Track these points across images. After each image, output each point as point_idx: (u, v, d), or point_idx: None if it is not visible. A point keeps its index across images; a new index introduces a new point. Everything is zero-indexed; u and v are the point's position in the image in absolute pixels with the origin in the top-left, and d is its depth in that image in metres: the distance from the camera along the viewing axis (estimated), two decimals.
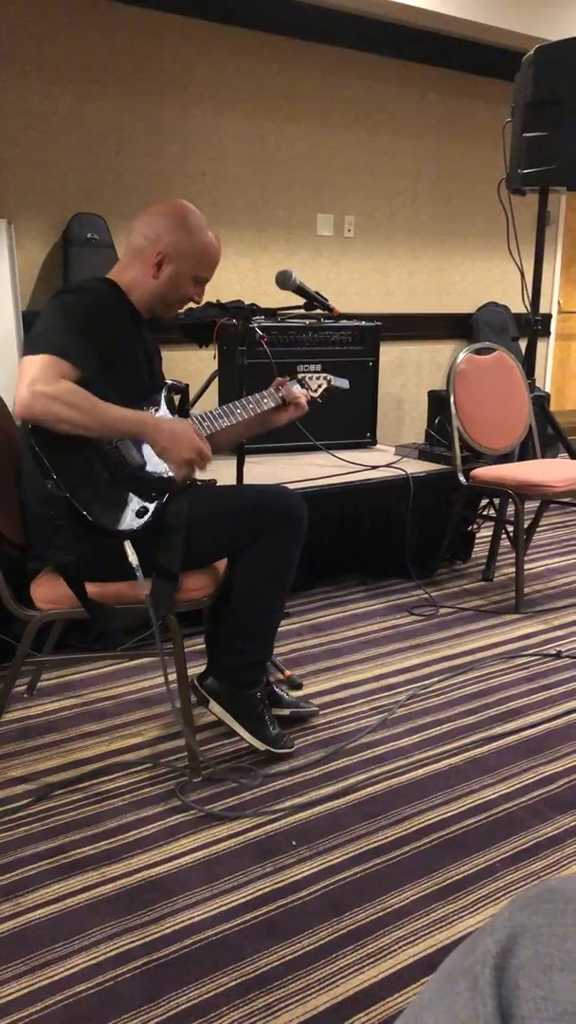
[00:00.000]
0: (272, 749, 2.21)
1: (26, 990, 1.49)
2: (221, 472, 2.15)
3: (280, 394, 2.32)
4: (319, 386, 2.46)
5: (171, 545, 2.04)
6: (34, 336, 1.96)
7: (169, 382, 2.23)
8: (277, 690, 2.39)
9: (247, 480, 2.60)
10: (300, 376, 2.44)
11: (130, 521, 1.98)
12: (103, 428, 1.94)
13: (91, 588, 2.01)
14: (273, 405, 2.32)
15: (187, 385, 2.29)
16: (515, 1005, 0.40)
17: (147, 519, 1.99)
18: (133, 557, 1.98)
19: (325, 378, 2.47)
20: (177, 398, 2.23)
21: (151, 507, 2.01)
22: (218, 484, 2.32)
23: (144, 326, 2.19)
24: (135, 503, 2.00)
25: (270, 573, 2.14)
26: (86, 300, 2.02)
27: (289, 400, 2.33)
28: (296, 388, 2.36)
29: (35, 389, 1.86)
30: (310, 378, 2.45)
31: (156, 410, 2.13)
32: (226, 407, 2.25)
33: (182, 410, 2.23)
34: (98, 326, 2.00)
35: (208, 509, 2.09)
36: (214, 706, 2.22)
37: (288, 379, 2.38)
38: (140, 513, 2.00)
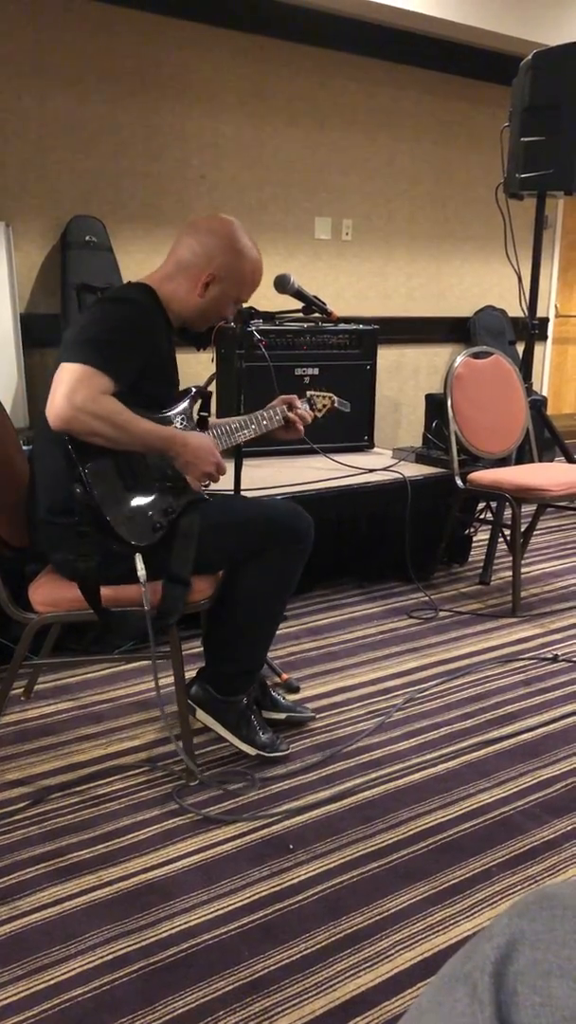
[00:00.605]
0: (263, 753, 2.22)
1: (23, 994, 1.49)
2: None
3: (278, 418, 2.35)
4: (323, 406, 2.51)
5: (183, 552, 2.05)
6: (73, 342, 1.93)
7: (195, 389, 2.23)
8: (274, 694, 2.40)
9: (244, 483, 2.61)
10: (310, 395, 2.49)
11: (147, 534, 1.99)
12: (134, 443, 1.95)
13: (105, 591, 2.02)
14: (279, 425, 2.35)
15: (211, 392, 2.29)
16: (513, 1011, 0.40)
17: (161, 532, 2.01)
18: (141, 570, 1.98)
19: (331, 398, 2.53)
20: (198, 404, 2.23)
21: (165, 522, 2.02)
22: (228, 494, 2.34)
23: (173, 334, 2.20)
24: (153, 516, 2.01)
25: (271, 586, 2.16)
26: (130, 313, 2.01)
27: (290, 422, 2.35)
28: (304, 411, 2.39)
29: (75, 402, 1.84)
30: (318, 397, 2.51)
31: (182, 420, 2.14)
32: (242, 421, 2.28)
33: (200, 417, 2.24)
34: (139, 341, 1.99)
35: (217, 520, 2.10)
36: (201, 714, 2.25)
37: (298, 399, 2.40)
38: (156, 527, 2.01)
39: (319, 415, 2.49)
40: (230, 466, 2.57)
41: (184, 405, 2.16)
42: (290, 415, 2.35)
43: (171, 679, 2.27)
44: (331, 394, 2.55)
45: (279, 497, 3.07)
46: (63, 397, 1.85)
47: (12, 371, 3.84)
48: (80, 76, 4.12)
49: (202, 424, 2.24)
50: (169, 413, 2.11)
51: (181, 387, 2.23)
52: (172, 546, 2.04)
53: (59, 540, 2.01)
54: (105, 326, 1.96)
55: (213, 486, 2.20)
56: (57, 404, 1.85)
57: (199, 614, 2.26)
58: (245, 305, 2.40)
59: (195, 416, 2.21)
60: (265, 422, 2.32)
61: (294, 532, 2.14)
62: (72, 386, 1.85)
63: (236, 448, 2.56)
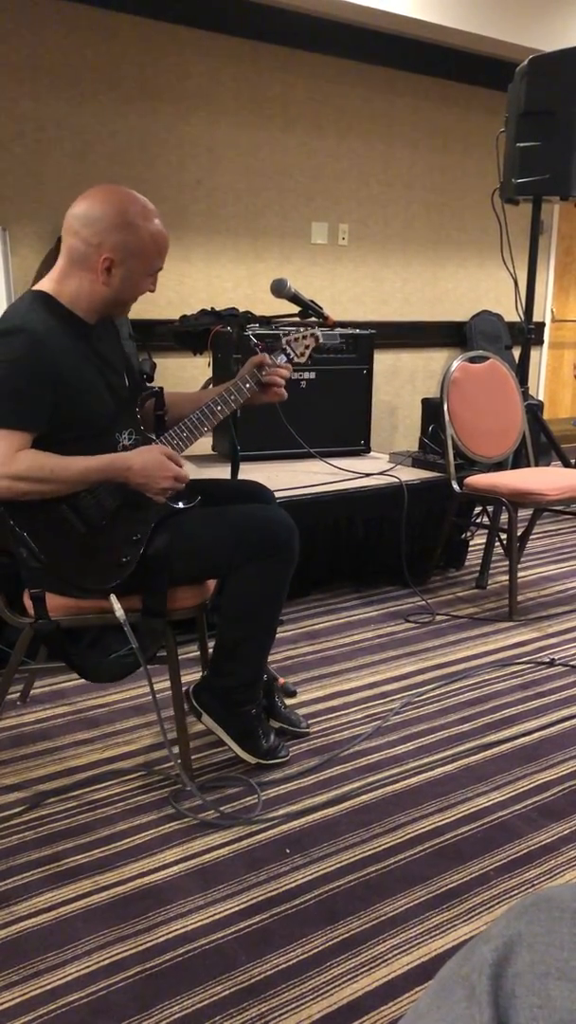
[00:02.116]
0: (263, 761, 2.20)
1: (18, 999, 1.48)
2: (215, 476, 2.14)
3: (262, 374, 2.15)
4: (306, 347, 2.26)
5: (155, 583, 2.00)
6: None
7: (150, 389, 2.11)
8: (276, 701, 2.37)
9: None
10: (285, 342, 2.24)
11: (114, 573, 1.96)
12: (73, 487, 1.88)
13: (64, 603, 2.00)
14: (248, 396, 2.15)
15: (160, 388, 2.14)
16: (512, 1013, 0.40)
17: (130, 565, 1.96)
18: (119, 611, 1.95)
19: (313, 336, 2.27)
20: (150, 405, 2.12)
21: (132, 553, 1.97)
22: (206, 492, 2.21)
23: (95, 338, 2.01)
24: (119, 551, 1.96)
25: (258, 599, 2.07)
26: (19, 349, 1.84)
27: (267, 383, 2.16)
28: (281, 370, 2.18)
29: None
30: (295, 341, 2.25)
31: (131, 434, 2.01)
32: (204, 409, 2.09)
33: (157, 417, 2.13)
34: (38, 375, 1.84)
35: (192, 538, 2.03)
36: (206, 719, 2.20)
37: (269, 355, 2.18)
38: (122, 562, 1.96)
39: (302, 359, 2.26)
40: (224, 469, 2.56)
41: (127, 415, 2.03)
42: (265, 377, 2.15)
43: (168, 683, 2.27)
44: (313, 331, 2.28)
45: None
46: None
47: None
48: (77, 81, 4.13)
49: (159, 424, 2.11)
50: (111, 432, 1.98)
51: (170, 389, 2.18)
52: (144, 581, 1.99)
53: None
54: (2, 374, 1.83)
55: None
56: None
57: (194, 620, 2.26)
58: (242, 309, 2.38)
59: (142, 420, 2.09)
60: (234, 396, 2.11)
61: (273, 545, 2.04)
62: None
63: (232, 451, 2.55)
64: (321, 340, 2.29)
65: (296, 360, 2.25)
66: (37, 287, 1.97)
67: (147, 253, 1.94)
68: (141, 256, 1.94)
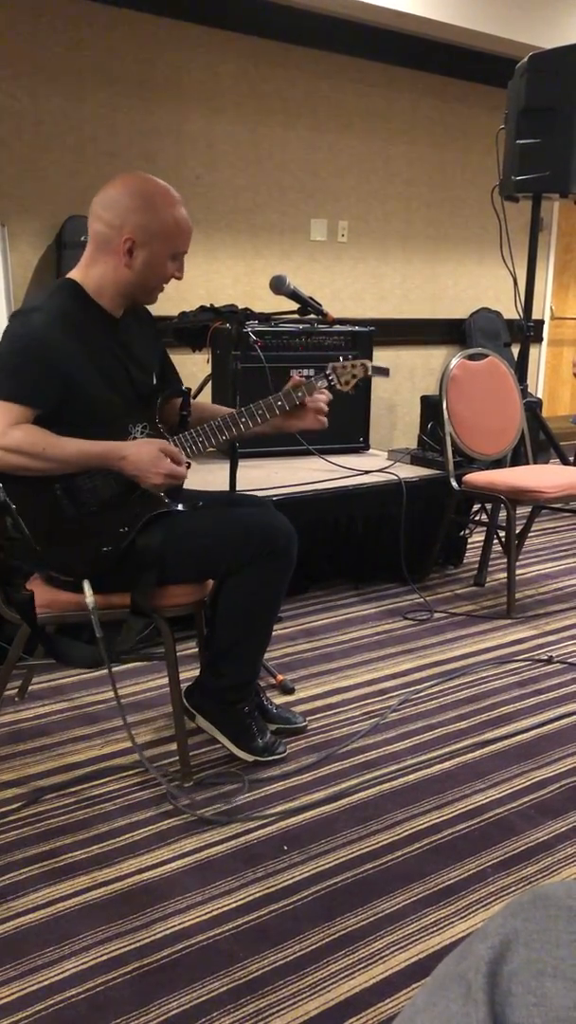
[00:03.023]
0: (260, 759, 2.20)
1: (16, 995, 1.48)
2: (214, 475, 2.13)
3: (299, 394, 2.08)
4: (353, 376, 2.14)
5: (143, 580, 1.99)
6: None
7: (167, 389, 2.11)
8: (264, 702, 2.37)
9: (240, 486, 2.60)
10: (331, 368, 2.13)
11: (91, 563, 1.95)
12: (65, 467, 1.88)
13: (51, 595, 1.99)
14: (288, 409, 2.08)
15: (188, 389, 2.15)
16: (507, 1011, 0.40)
17: (111, 558, 1.96)
18: (90, 597, 1.94)
19: (363, 366, 2.14)
20: (178, 404, 2.13)
21: (115, 545, 1.95)
22: (206, 500, 2.20)
23: (120, 329, 2.03)
24: (100, 540, 1.95)
25: (254, 602, 2.07)
26: (36, 326, 1.87)
27: (310, 406, 2.10)
28: (319, 397, 2.10)
29: None
30: (341, 368, 2.13)
31: (144, 428, 2.00)
32: (228, 417, 2.07)
33: (181, 417, 2.13)
34: (51, 354, 1.86)
35: (188, 540, 2.02)
36: (200, 720, 2.22)
37: (307, 379, 2.11)
38: (103, 551, 1.95)
39: (347, 389, 2.16)
40: (223, 466, 2.56)
41: (145, 408, 2.03)
42: (309, 401, 2.07)
43: (155, 682, 2.27)
44: (364, 361, 2.15)
45: (273, 498, 3.06)
46: None
47: None
48: (76, 76, 4.12)
49: (182, 424, 2.11)
50: (124, 423, 1.99)
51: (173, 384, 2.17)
52: (132, 571, 1.98)
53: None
54: (12, 348, 1.86)
55: (208, 486, 2.12)
56: None
57: (192, 616, 2.26)
58: (241, 306, 2.38)
59: (163, 417, 2.09)
60: (261, 412, 2.06)
61: (271, 550, 2.03)
62: None
63: (232, 449, 2.54)
64: (370, 372, 2.17)
65: (339, 388, 2.15)
66: (68, 275, 2.01)
67: (169, 234, 1.95)
68: (163, 237, 1.95)
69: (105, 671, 2.74)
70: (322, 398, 2.13)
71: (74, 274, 2.00)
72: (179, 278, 2.04)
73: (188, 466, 2.02)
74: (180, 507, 2.06)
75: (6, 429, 1.81)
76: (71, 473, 1.91)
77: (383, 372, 2.23)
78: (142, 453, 1.92)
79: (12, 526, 1.90)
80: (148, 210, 1.93)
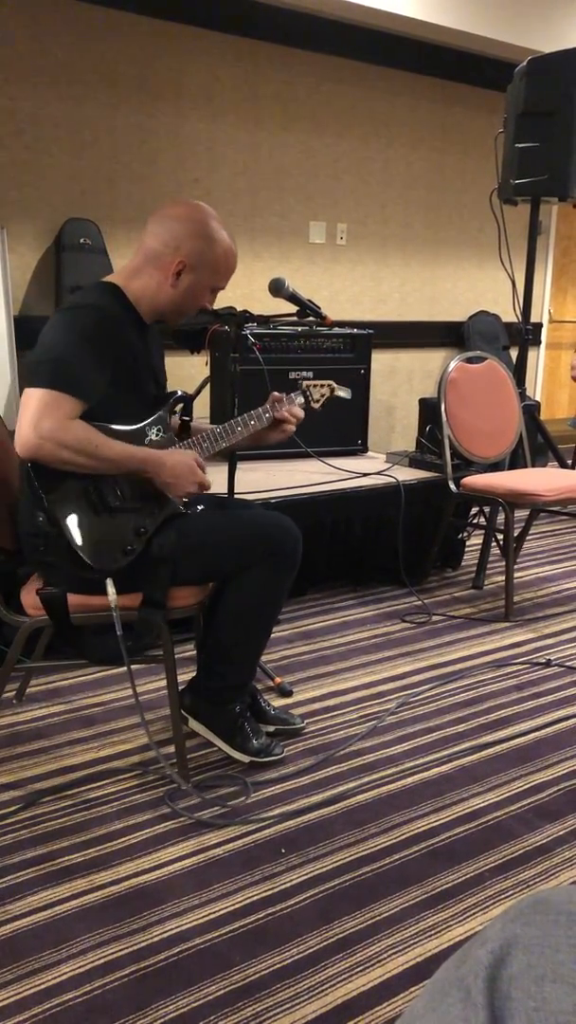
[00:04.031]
0: (256, 759, 2.21)
1: (13, 998, 1.48)
2: (213, 478, 2.13)
3: (267, 415, 2.24)
4: (321, 395, 2.40)
5: (158, 576, 2.01)
6: (36, 363, 1.88)
7: (179, 393, 2.16)
8: (262, 704, 2.38)
9: (237, 488, 2.60)
10: (305, 386, 2.37)
11: (117, 558, 1.96)
12: (108, 468, 1.91)
13: (78, 599, 2.00)
14: (266, 424, 2.24)
15: (193, 396, 2.21)
16: (507, 1016, 0.40)
17: (132, 555, 1.97)
18: (112, 594, 1.95)
19: (329, 386, 2.42)
20: (179, 409, 2.18)
21: (137, 544, 1.98)
22: (214, 502, 2.27)
23: (149, 334, 2.11)
24: (124, 538, 1.97)
25: (257, 603, 2.10)
26: (89, 322, 1.92)
27: (280, 418, 2.25)
28: (295, 408, 2.28)
29: (42, 432, 1.80)
30: (313, 387, 2.39)
31: (159, 431, 2.06)
32: (227, 426, 2.18)
33: (183, 422, 2.18)
34: (102, 352, 1.91)
35: (198, 538, 2.05)
36: (194, 723, 2.23)
37: (285, 395, 2.29)
38: (127, 550, 1.97)
39: (317, 406, 2.39)
40: (222, 469, 2.57)
41: (160, 413, 2.08)
42: (278, 414, 2.24)
43: (152, 685, 2.27)
44: (330, 382, 2.43)
45: (272, 500, 3.07)
46: (29, 426, 1.80)
47: (5, 374, 3.84)
48: (76, 79, 4.12)
49: (184, 429, 2.18)
50: (142, 424, 2.03)
51: (170, 388, 2.20)
52: (146, 570, 1.99)
53: (33, 555, 1.99)
54: (65, 341, 1.89)
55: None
56: (24, 434, 1.81)
57: (191, 618, 2.26)
58: (239, 308, 2.38)
59: (176, 422, 2.15)
60: (253, 422, 2.21)
61: (279, 552, 2.08)
62: (37, 414, 1.81)
63: (230, 452, 2.54)
64: (337, 392, 2.43)
65: (312, 405, 2.38)
66: (107, 279, 2.06)
67: (218, 267, 2.06)
68: (212, 269, 2.05)
69: (99, 674, 2.74)
70: (297, 413, 2.28)
71: (115, 279, 2.05)
72: (209, 307, 2.16)
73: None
74: (199, 508, 2.11)
75: (61, 421, 1.82)
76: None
77: (346, 392, 2.47)
78: (179, 463, 1.99)
79: (44, 521, 1.90)
80: (206, 240, 2.02)
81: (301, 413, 2.30)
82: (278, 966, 1.56)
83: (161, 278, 2.02)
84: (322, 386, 2.41)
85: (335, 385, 2.43)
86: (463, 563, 3.88)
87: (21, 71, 3.98)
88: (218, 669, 2.17)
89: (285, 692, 2.63)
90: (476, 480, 3.40)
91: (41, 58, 4.01)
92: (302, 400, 2.34)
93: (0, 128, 3.97)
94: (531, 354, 4.52)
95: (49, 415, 1.81)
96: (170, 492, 2.00)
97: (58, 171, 4.14)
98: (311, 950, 1.60)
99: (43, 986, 1.51)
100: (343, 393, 2.44)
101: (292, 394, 2.32)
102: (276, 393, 2.28)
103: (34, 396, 1.83)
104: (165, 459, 1.97)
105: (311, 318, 2.49)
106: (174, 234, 2.00)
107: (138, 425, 2.02)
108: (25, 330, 3.96)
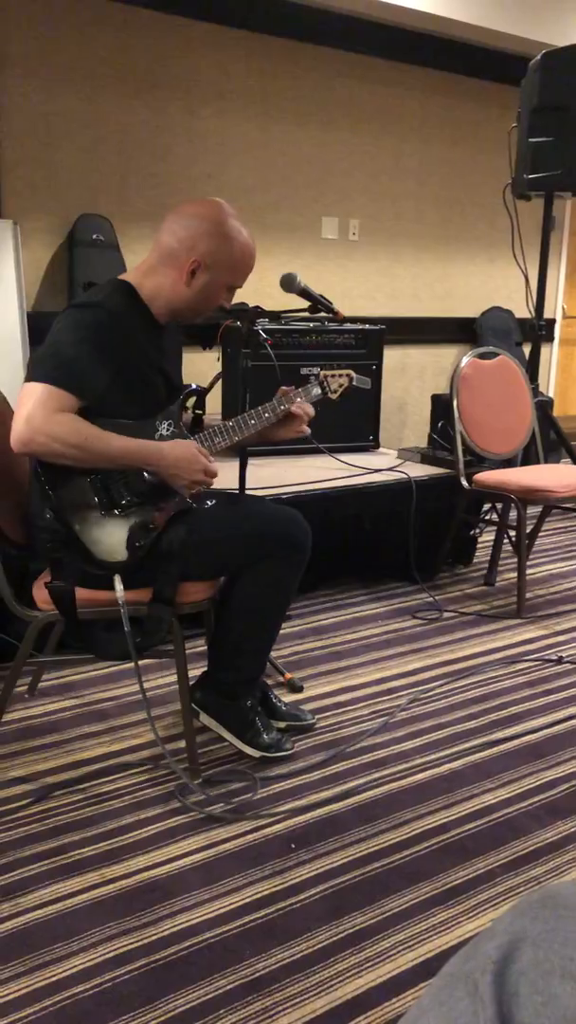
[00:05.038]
0: (267, 755, 2.21)
1: (24, 990, 1.49)
2: (224, 474, 2.13)
3: (282, 407, 2.19)
4: (340, 386, 2.32)
5: (167, 571, 2.01)
6: (37, 359, 1.88)
7: (192, 387, 2.16)
8: (273, 700, 2.38)
9: (248, 483, 2.59)
10: (323, 376, 2.30)
11: (123, 553, 1.96)
12: (104, 462, 1.90)
13: (86, 594, 2.00)
14: (278, 417, 2.20)
15: (206, 389, 2.19)
16: (515, 1011, 0.40)
17: (141, 550, 1.97)
18: (120, 591, 1.95)
19: (347, 375, 2.33)
20: (192, 402, 2.16)
21: (146, 539, 1.98)
22: (224, 497, 2.26)
23: (162, 333, 2.09)
24: (132, 534, 1.97)
25: (268, 597, 2.11)
26: (95, 322, 1.91)
27: (292, 414, 2.21)
28: (306, 405, 2.22)
29: (33, 425, 1.80)
30: (331, 377, 2.31)
31: (170, 425, 2.05)
32: (239, 420, 2.15)
33: (196, 416, 2.17)
34: (106, 351, 1.90)
35: (208, 533, 2.05)
36: (205, 718, 2.23)
37: (292, 388, 2.23)
38: (135, 545, 1.97)
39: (335, 397, 2.31)
40: (232, 465, 2.56)
41: (172, 407, 2.08)
42: (291, 408, 2.20)
43: (161, 680, 2.27)
44: (348, 371, 2.33)
45: (284, 496, 3.06)
46: (21, 420, 1.81)
47: (19, 369, 3.85)
48: (88, 74, 4.13)
49: (196, 423, 2.17)
50: (152, 419, 2.02)
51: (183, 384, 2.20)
52: (156, 566, 1.99)
53: (42, 552, 2.00)
54: (68, 338, 1.89)
55: (216, 484, 2.14)
56: (17, 427, 1.81)
57: (201, 613, 2.26)
58: (251, 304, 2.38)
59: (188, 416, 2.15)
60: (267, 415, 2.17)
61: (290, 544, 2.08)
62: (31, 407, 1.81)
63: (241, 448, 2.54)
64: (355, 382, 2.34)
65: (329, 396, 2.30)
66: (121, 277, 2.04)
67: (234, 267, 2.03)
68: (227, 268, 2.02)
69: (111, 668, 2.75)
70: (308, 410, 2.23)
71: (129, 277, 2.04)
72: (226, 308, 2.13)
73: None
74: (209, 503, 2.10)
75: (52, 414, 1.82)
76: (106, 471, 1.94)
77: (365, 383, 2.37)
78: (181, 452, 1.97)
79: (53, 517, 1.91)
80: (222, 239, 1.99)
81: (312, 409, 2.26)
82: (288, 961, 1.56)
83: (176, 277, 2.00)
84: (340, 376, 2.33)
85: (354, 375, 2.34)
86: (475, 560, 3.87)
87: (34, 67, 3.99)
88: (229, 663, 2.17)
89: (296, 688, 2.63)
90: (488, 476, 3.39)
91: (54, 54, 4.02)
92: (319, 391, 2.29)
93: (13, 124, 3.98)
94: (544, 350, 4.50)
95: (41, 408, 1.81)
96: (176, 484, 1.99)
97: (70, 167, 4.15)
98: (321, 945, 1.60)
99: (54, 979, 1.52)
100: (362, 383, 2.36)
101: (308, 385, 2.27)
102: (284, 387, 2.24)
103: (29, 390, 1.84)
104: (166, 451, 1.95)
105: (323, 314, 2.48)
106: (190, 232, 1.98)
107: (149, 420, 2.02)
108: (38, 326, 3.97)
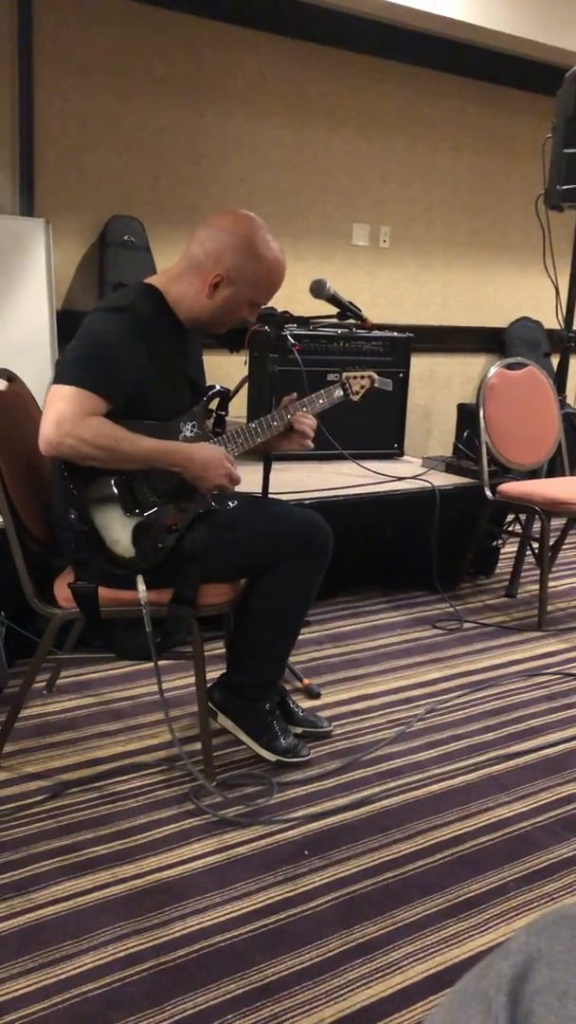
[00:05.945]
0: (283, 759, 2.21)
1: (34, 987, 1.49)
2: (247, 478, 2.13)
3: (287, 417, 2.18)
4: (361, 387, 2.32)
5: (189, 572, 2.01)
6: (66, 361, 1.90)
7: (217, 388, 2.16)
8: (291, 705, 2.37)
9: (273, 488, 2.59)
10: (345, 378, 2.31)
11: (148, 555, 1.97)
12: (132, 464, 1.91)
13: (109, 594, 2.01)
14: (281, 429, 2.19)
15: (230, 391, 2.20)
16: None
17: (164, 551, 1.98)
18: (142, 591, 1.96)
19: (369, 377, 2.32)
20: (215, 403, 2.16)
21: (169, 541, 1.99)
22: (246, 499, 2.26)
23: (188, 339, 2.11)
24: (155, 535, 1.98)
25: (288, 599, 2.11)
26: (122, 324, 1.92)
27: (296, 427, 2.18)
28: (308, 417, 2.20)
29: (63, 428, 1.81)
30: (353, 379, 2.31)
31: (194, 427, 2.06)
32: (262, 421, 2.16)
33: (219, 417, 2.17)
34: (131, 353, 1.91)
35: (229, 534, 2.06)
36: (222, 719, 2.22)
37: (296, 399, 2.21)
38: (158, 547, 1.98)
39: (356, 398, 2.31)
40: (256, 469, 2.56)
41: (196, 408, 2.09)
42: (294, 420, 2.17)
43: (173, 681, 2.27)
44: (370, 373, 2.34)
45: (306, 501, 3.06)
46: (51, 422, 1.82)
47: (47, 368, 3.87)
48: (124, 77, 4.15)
49: (219, 423, 2.17)
50: (176, 420, 2.04)
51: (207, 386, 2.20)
52: (177, 566, 2.00)
53: (67, 547, 2.01)
54: (95, 340, 1.90)
55: (239, 488, 2.14)
56: (45, 430, 1.83)
57: (220, 616, 2.26)
58: (280, 309, 2.38)
59: (212, 416, 2.14)
60: (276, 423, 2.17)
61: (310, 547, 2.08)
62: (60, 410, 1.82)
63: (265, 453, 2.54)
64: (376, 384, 2.34)
65: (351, 397, 2.31)
66: (148, 280, 2.06)
67: (259, 284, 2.03)
68: (251, 285, 2.03)
69: (129, 668, 2.76)
70: (308, 422, 2.20)
71: (157, 281, 2.05)
72: (250, 322, 2.14)
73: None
74: (231, 504, 2.11)
75: (82, 418, 1.83)
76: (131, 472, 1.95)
77: (387, 385, 2.38)
78: (207, 455, 1.98)
79: (76, 519, 1.92)
80: (248, 256, 1.99)
81: (313, 421, 2.23)
82: (298, 968, 1.56)
83: (199, 287, 2.01)
84: (362, 377, 2.32)
85: (376, 376, 2.34)
86: (497, 571, 3.85)
87: (70, 68, 4.02)
88: (248, 665, 2.17)
89: (313, 694, 2.63)
90: (513, 487, 3.37)
91: (90, 56, 4.05)
92: (340, 393, 2.28)
93: (48, 124, 4.01)
94: (573, 362, 4.48)
95: (70, 411, 1.82)
96: (201, 486, 2.00)
97: (104, 168, 4.17)
98: (331, 953, 1.60)
99: (63, 976, 1.52)
100: (384, 385, 2.36)
101: (330, 388, 2.27)
102: (288, 397, 2.22)
103: (57, 392, 1.85)
104: (194, 453, 1.97)
105: (351, 320, 2.48)
106: (217, 245, 1.99)
107: (174, 421, 2.03)
108: (68, 324, 3.99)
